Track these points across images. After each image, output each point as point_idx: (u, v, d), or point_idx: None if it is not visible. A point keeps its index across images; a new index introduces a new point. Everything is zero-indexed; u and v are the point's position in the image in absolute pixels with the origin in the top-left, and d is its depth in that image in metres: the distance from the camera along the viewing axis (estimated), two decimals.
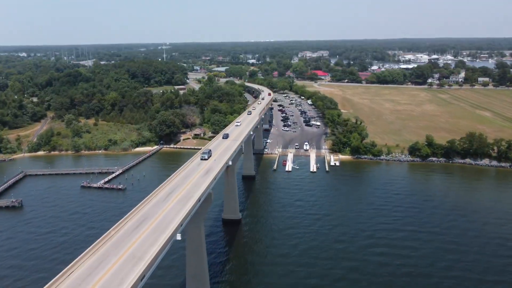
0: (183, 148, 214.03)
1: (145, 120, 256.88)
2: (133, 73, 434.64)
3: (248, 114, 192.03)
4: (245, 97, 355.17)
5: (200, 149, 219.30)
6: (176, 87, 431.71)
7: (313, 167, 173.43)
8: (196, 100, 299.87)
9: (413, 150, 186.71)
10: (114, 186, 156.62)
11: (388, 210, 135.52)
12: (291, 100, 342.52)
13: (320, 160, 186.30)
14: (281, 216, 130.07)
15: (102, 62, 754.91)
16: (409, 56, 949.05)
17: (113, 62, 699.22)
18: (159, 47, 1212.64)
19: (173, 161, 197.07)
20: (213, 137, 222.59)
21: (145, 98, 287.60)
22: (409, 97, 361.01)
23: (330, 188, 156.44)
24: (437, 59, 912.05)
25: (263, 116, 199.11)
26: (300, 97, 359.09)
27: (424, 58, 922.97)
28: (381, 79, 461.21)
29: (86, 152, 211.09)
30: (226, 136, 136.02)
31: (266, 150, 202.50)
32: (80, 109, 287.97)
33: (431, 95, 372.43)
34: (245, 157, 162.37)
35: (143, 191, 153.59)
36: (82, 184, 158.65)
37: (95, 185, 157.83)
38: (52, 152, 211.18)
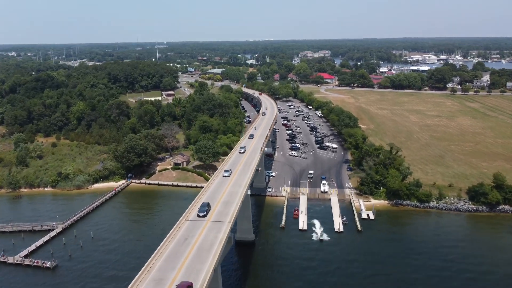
0: (158, 184, 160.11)
1: (118, 139, 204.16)
2: (115, 76, 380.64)
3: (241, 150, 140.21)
4: (242, 107, 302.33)
5: (181, 186, 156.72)
6: (164, 92, 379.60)
7: (338, 224, 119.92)
8: (183, 113, 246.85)
9: (476, 194, 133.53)
10: (39, 263, 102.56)
11: None
12: (297, 111, 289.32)
13: (346, 209, 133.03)
14: None
15: (91, 63, 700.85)
16: (416, 57, 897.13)
17: (103, 62, 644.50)
18: (155, 46, 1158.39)
19: (140, 207, 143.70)
20: (198, 167, 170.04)
21: (118, 111, 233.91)
22: (434, 107, 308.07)
23: (366, 264, 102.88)
24: (446, 59, 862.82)
25: (265, 149, 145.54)
26: (307, 107, 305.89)
27: (432, 58, 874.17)
28: (396, 84, 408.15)
29: (27, 190, 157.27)
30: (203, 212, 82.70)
31: (269, 189, 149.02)
32: (38, 124, 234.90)
33: (459, 104, 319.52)
34: (239, 214, 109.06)
35: (83, 274, 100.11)
36: None
37: (11, 260, 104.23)
38: None
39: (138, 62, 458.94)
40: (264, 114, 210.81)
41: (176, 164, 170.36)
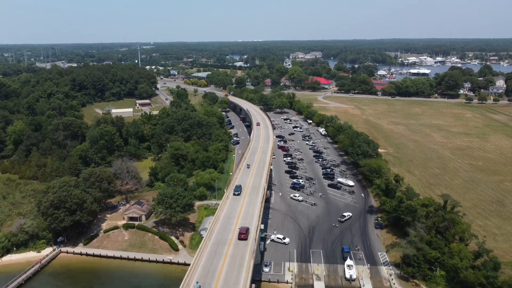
0: (100, 256, 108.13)
1: (62, 172, 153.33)
2: (81, 83, 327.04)
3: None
4: (229, 121, 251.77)
5: (134, 259, 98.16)
6: (138, 101, 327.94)
7: None
8: (152, 133, 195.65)
9: None
10: None
11: None
12: (295, 127, 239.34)
13: None
14: None
15: (68, 65, 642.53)
16: (412, 59, 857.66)
17: (82, 64, 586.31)
18: (138, 47, 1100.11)
19: None
20: (162, 222, 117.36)
21: (66, 132, 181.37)
22: (455, 120, 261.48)
23: None
24: (443, 61, 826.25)
25: (262, 226, 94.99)
26: (306, 121, 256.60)
27: (429, 60, 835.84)
28: (403, 90, 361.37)
29: None
30: None
31: (265, 268, 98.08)
32: None
33: (481, 116, 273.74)
34: None
35: None
36: None
37: None
38: None
39: (110, 66, 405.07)
40: (248, 166, 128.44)
41: (131, 219, 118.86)
